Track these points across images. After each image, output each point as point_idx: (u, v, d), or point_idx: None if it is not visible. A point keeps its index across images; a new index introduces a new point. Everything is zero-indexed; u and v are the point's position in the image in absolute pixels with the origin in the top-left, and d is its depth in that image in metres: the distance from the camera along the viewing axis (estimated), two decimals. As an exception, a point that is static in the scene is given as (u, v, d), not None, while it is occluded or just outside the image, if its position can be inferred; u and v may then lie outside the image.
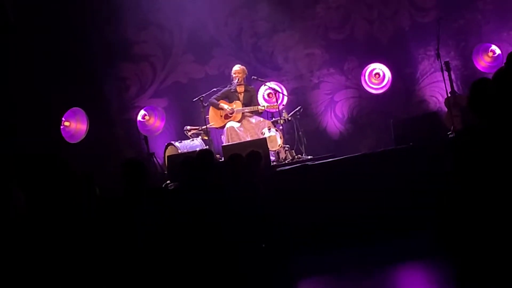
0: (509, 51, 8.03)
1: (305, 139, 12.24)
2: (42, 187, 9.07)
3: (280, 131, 11.79)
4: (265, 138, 11.34)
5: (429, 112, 12.80)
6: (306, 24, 13.65)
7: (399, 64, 13.50)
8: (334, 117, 13.65)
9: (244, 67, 12.38)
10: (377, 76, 13.31)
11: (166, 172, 11.31)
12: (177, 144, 11.67)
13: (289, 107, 12.58)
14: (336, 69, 13.66)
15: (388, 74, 13.25)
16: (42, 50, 11.90)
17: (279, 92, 12.60)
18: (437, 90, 13.36)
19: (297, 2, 13.68)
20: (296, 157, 11.81)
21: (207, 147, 11.63)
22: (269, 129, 11.72)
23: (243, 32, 13.62)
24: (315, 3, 13.65)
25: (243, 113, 12.07)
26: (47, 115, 11.61)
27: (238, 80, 12.21)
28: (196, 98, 12.10)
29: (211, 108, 12.20)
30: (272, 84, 12.70)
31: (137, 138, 12.80)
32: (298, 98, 13.39)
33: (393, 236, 9.21)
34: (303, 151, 12.12)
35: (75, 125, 11.82)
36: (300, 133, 12.26)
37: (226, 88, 12.28)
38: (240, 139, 11.64)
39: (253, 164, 8.85)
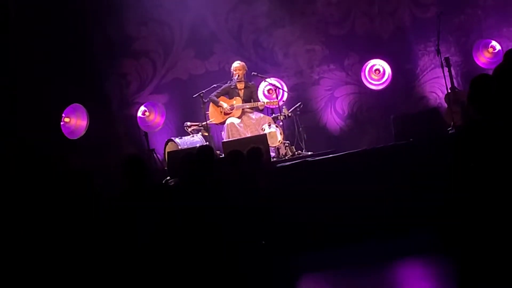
0: (510, 47, 8.03)
1: (305, 135, 12.24)
2: (40, 185, 9.09)
3: (280, 127, 11.79)
4: (265, 134, 11.34)
5: (429, 108, 12.79)
6: (306, 20, 13.63)
7: (399, 60, 13.49)
8: (334, 113, 13.65)
9: (244, 63, 12.38)
10: (377, 72, 13.30)
11: (166, 168, 11.31)
12: (177, 140, 11.67)
13: (289, 103, 12.57)
14: (336, 65, 13.65)
15: (388, 70, 13.24)
16: (42, 46, 11.88)
17: (279, 88, 12.59)
18: (437, 86, 13.35)
19: (298, -2, 13.70)
20: (296, 153, 11.82)
21: (207, 143, 11.63)
22: (269, 125, 11.72)
23: (243, 28, 13.61)
24: (316, -1, 13.67)
25: (243, 109, 12.07)
26: (47, 111, 11.60)
27: (238, 76, 12.21)
28: (196, 94, 12.10)
29: (211, 104, 12.21)
30: (272, 80, 12.69)
31: (137, 134, 12.80)
32: (298, 94, 13.38)
33: (393, 233, 9.20)
34: (303, 147, 12.12)
35: (75, 121, 11.80)
36: (300, 129, 12.26)
37: (226, 85, 12.28)
38: (240, 135, 11.65)
39: (254, 160, 8.85)
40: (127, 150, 12.66)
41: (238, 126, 11.85)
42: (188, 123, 12.08)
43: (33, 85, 11.55)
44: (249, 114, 12.08)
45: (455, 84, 12.31)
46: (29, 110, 11.32)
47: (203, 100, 12.05)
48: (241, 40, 13.62)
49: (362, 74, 13.34)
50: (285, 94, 12.83)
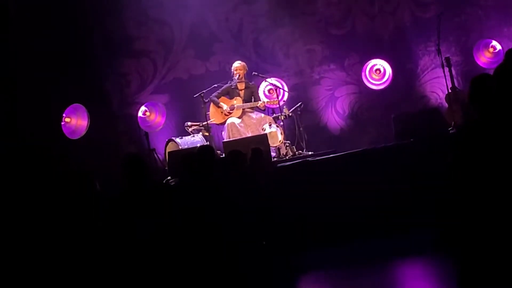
0: (510, 47, 8.03)
1: (305, 135, 12.24)
2: (40, 185, 9.08)
3: (281, 127, 11.79)
4: (266, 134, 11.34)
5: (430, 108, 12.78)
6: (306, 19, 13.63)
7: (400, 59, 13.49)
8: (335, 113, 13.65)
9: (244, 63, 12.38)
10: (378, 72, 13.29)
11: (167, 168, 11.31)
12: (178, 140, 11.67)
13: (289, 103, 12.57)
14: (336, 65, 13.65)
15: (388, 70, 13.24)
16: (42, 46, 11.88)
17: (280, 88, 12.60)
18: (437, 85, 13.35)
19: (298, -2, 13.71)
20: (297, 153, 11.82)
21: (208, 143, 11.63)
22: (270, 125, 11.72)
23: (243, 28, 13.62)
24: (316, -2, 13.67)
25: (243, 109, 12.07)
26: (48, 111, 11.61)
27: (239, 76, 12.22)
28: (197, 94, 12.11)
29: (211, 104, 12.21)
30: (273, 80, 12.69)
31: (138, 134, 12.81)
32: (299, 94, 13.37)
33: (393, 232, 9.21)
34: (304, 147, 12.12)
35: (76, 121, 11.81)
36: (301, 129, 12.26)
37: (227, 85, 12.29)
38: (241, 135, 11.65)
39: (255, 161, 8.87)
40: (127, 150, 12.66)
41: (238, 126, 11.85)
42: (189, 123, 12.08)
43: (33, 85, 11.56)
44: (250, 114, 12.09)
45: (456, 84, 12.30)
46: (29, 110, 11.32)
47: (203, 100, 12.05)
48: (242, 40, 13.63)
49: (363, 74, 13.33)
50: (286, 94, 12.82)
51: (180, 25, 13.51)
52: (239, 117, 12.01)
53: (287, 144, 11.88)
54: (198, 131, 12.00)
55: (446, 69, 12.03)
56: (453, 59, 12.72)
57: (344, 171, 10.01)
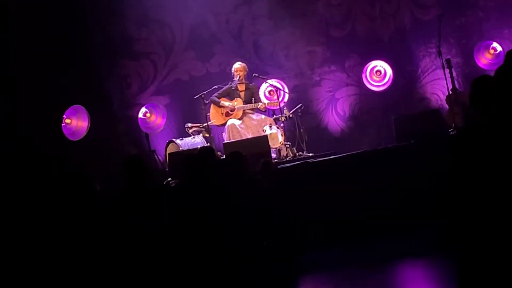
0: (510, 48, 8.02)
1: (306, 137, 12.24)
2: (40, 186, 9.08)
3: (281, 128, 11.79)
4: (266, 136, 11.34)
5: (431, 110, 12.77)
6: (307, 21, 13.63)
7: (401, 61, 13.49)
8: (335, 115, 13.64)
9: (245, 65, 12.39)
10: (378, 73, 13.29)
11: (167, 169, 11.31)
12: (178, 141, 11.68)
13: (290, 104, 12.56)
14: (337, 66, 13.65)
15: (389, 71, 13.23)
16: (43, 47, 11.88)
17: (280, 90, 12.59)
18: (438, 87, 13.35)
19: (298, -1, 13.70)
20: (297, 154, 11.81)
21: (208, 144, 11.63)
22: (270, 127, 11.72)
23: (244, 29, 13.61)
24: (316, 0, 13.63)
25: (244, 110, 12.07)
26: (48, 112, 11.60)
27: (239, 77, 12.22)
28: (198, 96, 12.11)
29: (212, 105, 12.21)
30: (273, 82, 12.69)
31: (138, 135, 12.80)
32: (299, 95, 13.37)
33: (394, 233, 9.21)
34: (304, 148, 12.12)
35: (76, 123, 11.81)
36: (301, 130, 12.26)
37: (227, 86, 12.29)
38: (241, 137, 11.65)
39: (265, 173, 8.90)
40: (128, 151, 12.65)
41: (239, 128, 11.85)
42: (189, 124, 12.08)
43: (33, 86, 11.55)
44: (250, 115, 12.09)
45: (456, 86, 12.30)
46: (29, 111, 11.32)
47: (204, 101, 12.06)
48: (242, 42, 13.62)
49: (363, 75, 13.33)
50: (286, 95, 12.80)
51: (180, 27, 13.51)
52: (239, 119, 12.01)
53: (288, 146, 11.88)
54: (198, 132, 11.99)
55: (447, 70, 12.02)
56: (454, 60, 12.72)
57: (344, 173, 10.01)
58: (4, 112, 11.00)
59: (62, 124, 11.61)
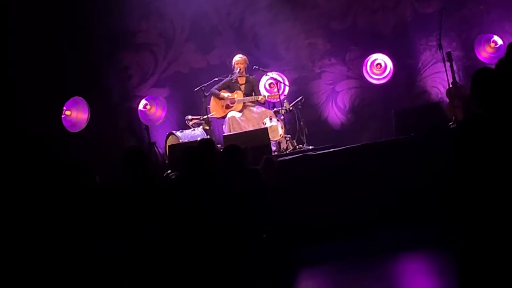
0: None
1: (306, 129, 12.24)
2: (41, 178, 9.08)
3: (282, 121, 11.79)
4: (266, 128, 11.34)
5: (431, 103, 12.77)
6: (308, 13, 13.61)
7: (401, 54, 13.47)
8: (336, 107, 13.64)
9: (245, 57, 12.38)
10: (379, 66, 13.29)
11: (167, 161, 11.31)
12: (178, 133, 11.67)
13: (290, 97, 12.55)
14: (337, 59, 13.64)
15: (389, 64, 13.23)
16: (43, 39, 11.87)
17: (281, 82, 12.58)
18: (439, 80, 13.34)
19: (299, -9, 13.68)
20: (297, 147, 11.82)
21: (208, 136, 11.62)
22: (271, 119, 11.72)
23: (244, 22, 13.59)
24: (317, -8, 13.64)
25: (244, 103, 12.07)
26: (48, 104, 11.60)
27: (240, 70, 12.21)
28: (198, 88, 12.11)
29: (212, 98, 12.21)
30: (274, 74, 12.68)
31: (138, 127, 12.81)
32: (300, 88, 13.37)
33: (394, 227, 9.20)
34: (305, 141, 12.12)
35: (76, 114, 11.81)
36: (301, 123, 12.26)
37: (227, 78, 12.28)
38: (242, 129, 11.65)
39: (267, 171, 8.88)
40: (128, 143, 12.66)
41: (239, 120, 11.85)
42: (189, 117, 12.08)
43: (33, 78, 11.54)
44: (251, 107, 12.09)
45: (457, 79, 12.31)
46: (29, 103, 11.31)
47: (204, 94, 12.05)
48: (243, 34, 13.61)
49: (364, 68, 13.33)
50: (286, 88, 12.79)
51: (181, 19, 13.50)
52: (239, 111, 12.01)
53: (288, 138, 11.88)
54: (198, 124, 11.99)
55: (447, 64, 12.04)
56: (454, 54, 12.71)
57: (344, 166, 9.99)
58: (4, 105, 11.00)
59: (62, 116, 11.61)
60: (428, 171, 9.33)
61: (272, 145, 11.35)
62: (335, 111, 13.63)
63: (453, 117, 11.41)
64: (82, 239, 6.53)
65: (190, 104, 12.96)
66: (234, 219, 7.52)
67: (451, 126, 10.94)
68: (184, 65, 13.56)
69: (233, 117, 11.86)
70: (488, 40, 13.01)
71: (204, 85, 12.11)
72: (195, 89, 12.19)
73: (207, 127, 11.95)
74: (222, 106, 12.15)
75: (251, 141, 10.35)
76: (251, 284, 7.43)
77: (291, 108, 11.95)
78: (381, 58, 13.26)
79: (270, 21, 13.53)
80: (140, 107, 12.52)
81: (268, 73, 12.62)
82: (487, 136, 4.75)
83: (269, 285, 7.68)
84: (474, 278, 4.74)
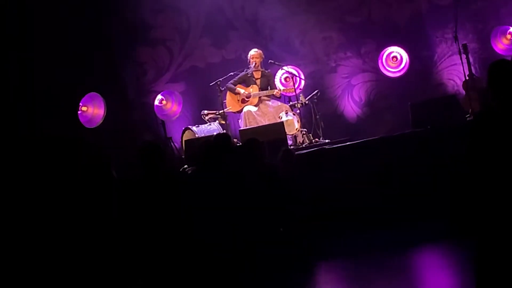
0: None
1: (322, 123, 12.22)
2: (57, 171, 9.10)
3: (298, 115, 11.78)
4: (282, 122, 11.35)
5: (447, 95, 12.73)
6: (322, 7, 13.57)
7: (417, 47, 13.44)
8: (351, 101, 13.62)
9: (260, 51, 12.37)
10: (395, 59, 13.26)
11: (183, 156, 11.33)
12: (194, 128, 11.68)
13: (306, 91, 12.53)
14: (353, 52, 13.62)
15: (405, 57, 13.19)
16: (59, 36, 11.89)
17: (296, 76, 12.58)
18: (455, 73, 13.30)
19: (314, -15, 13.65)
20: (313, 140, 11.82)
21: (225, 131, 11.63)
22: (286, 113, 11.72)
23: (259, 16, 13.56)
24: (332, -14, 13.61)
25: (260, 97, 12.07)
26: (64, 100, 11.63)
27: (255, 64, 12.21)
28: (213, 83, 12.10)
29: (228, 92, 12.21)
30: (289, 68, 12.67)
31: (154, 122, 12.82)
32: (315, 82, 13.35)
33: (410, 220, 9.18)
34: (321, 134, 12.11)
35: (92, 110, 11.84)
36: (317, 117, 12.24)
37: (243, 73, 12.28)
38: (258, 123, 11.64)
39: (286, 162, 8.91)
40: (144, 138, 12.66)
41: (255, 114, 11.85)
42: (205, 111, 12.08)
43: (49, 75, 11.57)
44: (267, 102, 12.08)
45: (473, 71, 12.26)
46: (46, 99, 11.35)
47: (220, 88, 12.04)
48: (258, 28, 13.59)
49: (379, 61, 13.30)
50: (302, 82, 12.79)
51: (196, 13, 13.49)
52: (255, 105, 12.01)
53: (304, 132, 11.88)
54: (214, 119, 11.99)
55: (463, 56, 11.97)
56: (470, 46, 12.62)
57: (360, 159, 9.99)
58: (21, 101, 11.03)
59: (78, 112, 11.64)
60: (444, 163, 9.32)
61: (288, 139, 11.35)
62: (351, 104, 13.61)
63: (470, 110, 11.37)
64: (98, 231, 6.56)
65: (206, 98, 12.96)
66: (250, 211, 7.55)
67: (468, 119, 10.90)
68: (200, 60, 13.56)
69: (249, 111, 11.86)
70: (504, 32, 12.94)
71: (220, 79, 12.10)
72: (210, 84, 12.19)
73: (223, 122, 11.95)
74: (238, 100, 12.15)
75: (267, 135, 10.36)
76: (266, 280, 7.47)
77: (307, 102, 11.94)
78: (396, 51, 13.22)
79: (285, 15, 13.51)
80: (156, 102, 12.53)
81: (283, 67, 12.61)
82: (502, 128, 4.73)
83: (287, 278, 7.70)
84: (491, 274, 4.73)
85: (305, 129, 11.97)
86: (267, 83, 12.23)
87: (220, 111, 11.99)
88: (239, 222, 7.41)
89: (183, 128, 12.00)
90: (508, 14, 13.23)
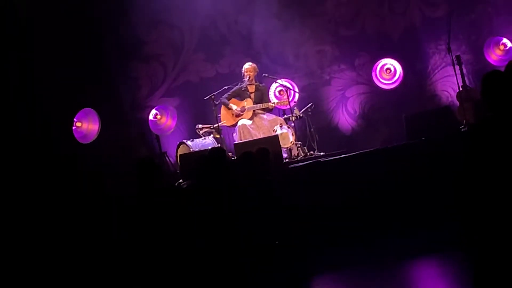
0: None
1: (317, 136, 12.23)
2: (53, 186, 9.10)
3: (292, 128, 11.79)
4: (277, 135, 11.34)
5: (441, 107, 12.77)
6: (316, 20, 13.62)
7: (410, 59, 13.49)
8: (346, 113, 13.64)
9: (255, 65, 12.38)
10: (388, 71, 13.30)
11: (178, 171, 11.32)
12: (189, 142, 11.67)
13: (300, 104, 12.55)
14: (347, 65, 13.66)
15: (399, 69, 13.24)
16: (54, 52, 11.88)
17: (290, 89, 12.60)
18: (448, 84, 13.34)
19: (307, -2, 13.69)
20: (308, 153, 11.81)
21: (219, 145, 11.63)
22: (281, 126, 11.72)
23: (253, 30, 13.58)
24: (325, -1, 13.65)
25: (254, 110, 12.07)
26: (59, 115, 11.61)
27: (249, 78, 12.21)
28: (208, 97, 12.10)
29: (222, 106, 12.21)
30: (283, 81, 12.69)
31: (149, 137, 12.81)
32: (310, 94, 13.37)
33: (406, 231, 9.18)
34: (315, 147, 12.11)
35: (87, 126, 11.83)
36: (312, 129, 12.25)
37: (237, 87, 12.28)
38: (252, 137, 11.63)
39: (264, 161, 8.86)
40: (139, 153, 12.66)
41: (249, 128, 11.84)
42: (200, 126, 12.07)
43: (45, 90, 11.55)
44: (261, 115, 12.08)
45: (467, 82, 12.31)
46: (41, 114, 11.33)
47: (214, 102, 12.04)
48: (252, 42, 13.60)
49: (373, 73, 13.34)
50: (296, 95, 12.80)
51: (190, 28, 13.52)
52: (250, 119, 12.01)
53: (299, 145, 11.88)
54: (209, 133, 11.99)
55: (457, 67, 12.02)
56: (464, 57, 12.69)
57: (356, 171, 10.00)
58: (16, 115, 11.02)
59: (73, 127, 11.63)
60: (440, 175, 9.32)
61: (283, 152, 11.35)
62: (346, 117, 13.63)
63: (464, 121, 11.39)
64: (91, 244, 6.56)
65: (200, 113, 12.96)
66: (246, 225, 7.55)
67: (462, 130, 10.92)
68: (194, 74, 13.58)
69: (244, 125, 11.86)
70: (497, 43, 13.00)
71: (214, 93, 12.10)
72: (205, 98, 12.19)
73: (218, 136, 11.95)
74: (233, 114, 12.15)
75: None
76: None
77: (301, 115, 11.95)
78: (390, 63, 13.26)
79: (278, 29, 13.51)
80: (151, 117, 12.54)
81: (277, 80, 12.63)
82: (498, 138, 4.74)
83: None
84: (489, 281, 4.72)
85: (300, 142, 11.97)
86: (261, 96, 12.23)
87: (215, 125, 11.98)
88: (237, 235, 7.42)
89: (178, 143, 11.99)
90: (501, 25, 13.28)
